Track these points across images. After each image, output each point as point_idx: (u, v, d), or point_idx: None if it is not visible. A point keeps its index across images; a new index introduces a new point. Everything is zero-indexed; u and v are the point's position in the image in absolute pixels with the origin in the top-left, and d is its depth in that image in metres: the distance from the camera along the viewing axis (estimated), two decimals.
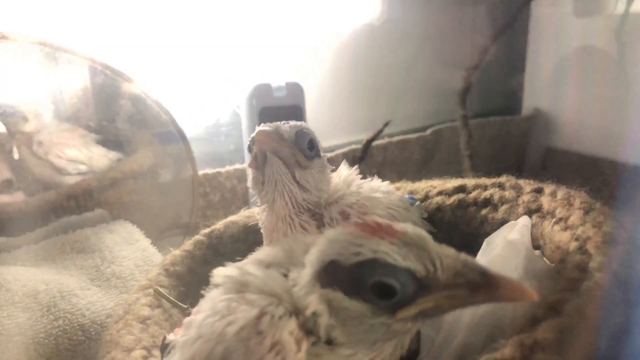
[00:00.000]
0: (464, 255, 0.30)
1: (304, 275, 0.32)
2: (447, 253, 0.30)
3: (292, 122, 0.48)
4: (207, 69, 0.87)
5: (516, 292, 0.28)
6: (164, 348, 0.38)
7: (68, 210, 0.73)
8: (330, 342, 0.31)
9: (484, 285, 0.28)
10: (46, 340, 0.57)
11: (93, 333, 0.59)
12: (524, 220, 0.47)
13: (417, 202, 0.55)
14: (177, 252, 0.60)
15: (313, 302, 0.31)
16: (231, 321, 0.31)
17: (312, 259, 0.32)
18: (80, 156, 0.75)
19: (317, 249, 0.32)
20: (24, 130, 0.72)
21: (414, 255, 0.29)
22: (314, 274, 0.32)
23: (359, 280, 0.30)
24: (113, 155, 0.77)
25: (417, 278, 0.29)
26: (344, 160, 0.55)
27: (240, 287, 0.33)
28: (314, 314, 0.31)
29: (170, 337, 0.39)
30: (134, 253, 0.69)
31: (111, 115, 0.76)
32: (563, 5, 1.11)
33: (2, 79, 0.70)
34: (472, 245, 0.50)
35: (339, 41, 0.99)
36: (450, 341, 0.39)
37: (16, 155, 0.71)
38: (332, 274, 0.31)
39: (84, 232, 0.71)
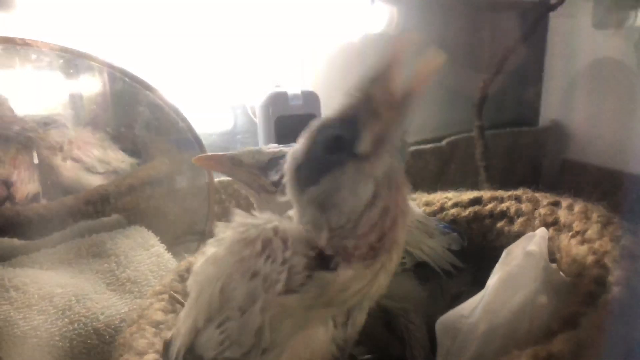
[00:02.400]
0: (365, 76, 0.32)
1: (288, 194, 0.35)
2: (356, 83, 0.32)
3: (277, 148, 0.50)
4: (224, 75, 0.88)
5: (430, 63, 0.31)
6: (167, 347, 0.39)
7: (85, 215, 0.74)
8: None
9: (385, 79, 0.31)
10: (60, 343, 0.57)
11: (107, 337, 0.59)
12: (542, 232, 0.47)
13: (453, 234, 0.54)
14: (191, 259, 0.61)
15: (301, 204, 0.33)
16: (222, 241, 0.34)
17: (288, 188, 0.34)
18: (105, 157, 0.76)
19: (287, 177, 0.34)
20: (52, 134, 0.73)
21: (336, 108, 0.32)
22: (292, 198, 0.34)
23: (316, 159, 0.32)
24: (131, 160, 0.78)
25: (347, 118, 0.32)
26: None
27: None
28: (312, 215, 0.33)
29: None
30: (149, 258, 0.70)
31: (129, 121, 0.77)
32: (582, 17, 1.10)
33: (25, 85, 0.71)
34: (487, 257, 0.50)
35: (354, 49, 0.99)
36: (464, 350, 0.39)
37: (36, 160, 0.72)
38: (301, 184, 0.33)
39: (100, 237, 0.72)
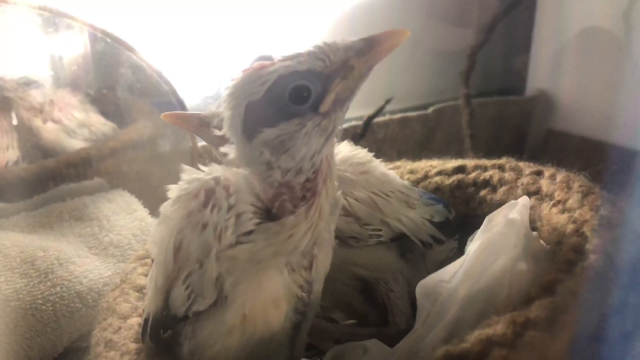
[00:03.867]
0: (342, 41, 0.34)
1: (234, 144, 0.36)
2: (333, 43, 0.34)
3: None
4: (208, 38, 0.86)
5: (394, 37, 0.34)
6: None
7: (67, 178, 0.73)
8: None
9: (370, 47, 0.34)
10: (43, 307, 0.57)
11: (90, 300, 0.60)
12: (524, 200, 0.47)
13: (438, 205, 0.54)
14: None
15: (253, 148, 0.35)
16: (171, 197, 0.36)
17: (229, 124, 0.35)
18: (86, 120, 0.75)
19: (228, 114, 0.35)
20: (31, 95, 0.71)
21: (307, 58, 0.34)
22: (239, 135, 0.35)
23: (276, 102, 0.34)
24: (112, 124, 0.77)
25: (318, 73, 0.33)
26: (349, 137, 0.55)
27: None
28: (261, 154, 0.34)
29: None
30: (132, 222, 0.69)
31: (111, 83, 0.75)
32: None
33: (1, 44, 0.69)
34: (469, 225, 0.50)
35: (340, 16, 0.98)
36: (444, 314, 0.40)
37: (15, 121, 0.71)
38: (250, 122, 0.34)
39: (82, 200, 0.71)
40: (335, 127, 0.35)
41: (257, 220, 0.35)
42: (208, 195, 0.34)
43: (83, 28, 0.70)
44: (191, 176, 0.36)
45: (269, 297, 0.36)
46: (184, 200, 0.35)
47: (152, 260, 0.54)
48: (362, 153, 0.52)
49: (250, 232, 0.34)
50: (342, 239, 0.48)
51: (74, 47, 0.72)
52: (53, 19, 0.68)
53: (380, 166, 0.53)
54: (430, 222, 0.53)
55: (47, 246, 0.62)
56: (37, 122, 0.72)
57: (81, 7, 0.71)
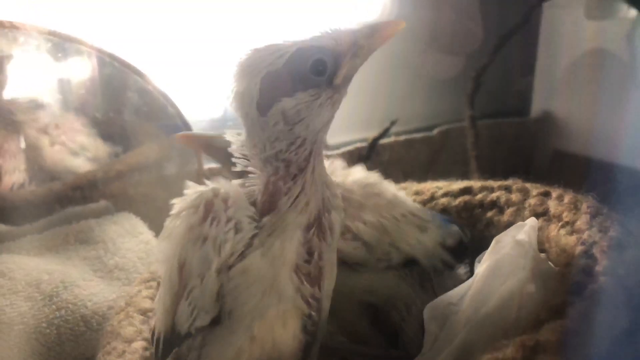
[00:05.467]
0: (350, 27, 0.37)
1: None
2: (341, 30, 0.37)
3: None
4: (214, 61, 0.87)
5: (393, 26, 0.37)
6: (152, 334, 0.40)
7: (73, 201, 0.73)
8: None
9: (374, 31, 0.37)
10: (48, 330, 0.57)
11: (95, 324, 0.59)
12: (532, 221, 0.47)
13: (452, 228, 0.52)
14: None
15: (267, 120, 0.36)
16: (174, 212, 0.37)
17: (242, 97, 0.36)
18: (87, 144, 0.75)
19: (243, 85, 0.36)
20: (39, 118, 0.72)
21: (321, 37, 0.36)
22: (253, 107, 0.36)
23: (296, 73, 0.35)
24: (113, 149, 0.78)
25: (332, 50, 0.36)
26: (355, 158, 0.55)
27: None
28: (275, 124, 0.36)
29: None
30: (137, 245, 0.69)
31: (118, 107, 0.76)
32: (575, 7, 1.09)
33: (12, 68, 0.70)
34: (477, 247, 0.50)
35: None
36: (452, 338, 0.39)
37: (23, 144, 0.71)
38: (267, 92, 0.35)
39: (88, 223, 0.71)
40: (339, 103, 0.38)
41: (255, 227, 0.36)
42: (207, 208, 0.35)
43: (91, 52, 0.71)
44: (192, 190, 0.37)
45: (276, 315, 0.36)
46: (185, 214, 0.36)
47: (158, 283, 0.54)
48: (373, 177, 0.52)
49: (253, 238, 0.35)
50: (349, 265, 0.47)
51: (82, 71, 0.73)
52: (62, 44, 0.69)
53: (392, 188, 0.53)
54: (443, 245, 0.51)
55: (52, 269, 0.62)
56: (45, 143, 0.73)
57: (89, 31, 0.72)
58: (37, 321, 0.57)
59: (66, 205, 0.73)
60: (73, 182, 0.74)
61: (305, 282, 0.37)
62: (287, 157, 0.37)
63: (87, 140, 0.76)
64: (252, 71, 0.36)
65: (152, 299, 0.52)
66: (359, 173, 0.52)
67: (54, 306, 0.58)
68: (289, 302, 0.36)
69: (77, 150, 0.75)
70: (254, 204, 0.37)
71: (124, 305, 0.51)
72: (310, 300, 0.38)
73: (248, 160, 0.39)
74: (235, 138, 0.40)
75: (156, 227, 0.73)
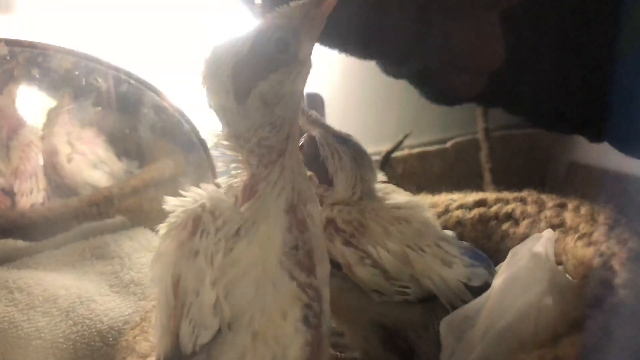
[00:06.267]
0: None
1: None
2: (290, 5, 0.37)
3: None
4: None
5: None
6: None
7: (89, 217, 0.74)
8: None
9: (320, 1, 0.36)
10: (64, 345, 0.57)
11: (110, 339, 0.59)
12: (548, 233, 0.46)
13: (479, 269, 0.48)
14: None
15: (247, 108, 0.36)
16: (162, 233, 0.37)
17: (216, 92, 0.37)
18: (105, 159, 0.76)
19: (216, 81, 0.37)
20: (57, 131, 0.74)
21: (275, 16, 0.36)
22: (230, 99, 0.36)
23: (263, 55, 0.36)
24: (128, 166, 0.79)
25: (288, 26, 0.36)
26: None
27: None
28: (257, 110, 0.36)
29: None
30: None
31: (134, 123, 0.77)
32: None
33: (31, 86, 0.71)
34: (492, 260, 0.49)
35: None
36: (469, 352, 0.39)
37: (41, 161, 0.72)
38: (241, 81, 0.36)
39: (104, 239, 0.72)
40: (308, 76, 0.38)
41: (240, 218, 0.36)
42: (196, 222, 0.35)
43: (107, 70, 0.72)
44: (176, 203, 0.37)
45: (274, 305, 0.35)
46: (174, 233, 0.36)
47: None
48: (406, 199, 0.51)
49: (239, 230, 0.35)
50: (365, 290, 0.46)
51: (99, 89, 0.74)
52: (79, 62, 0.71)
53: (424, 213, 0.50)
54: (466, 285, 0.47)
55: (69, 284, 0.62)
56: (62, 159, 0.74)
57: (103, 48, 0.73)
58: (54, 336, 0.57)
59: (82, 221, 0.74)
60: (89, 198, 0.75)
61: (297, 268, 0.37)
62: (269, 142, 0.37)
63: (105, 155, 0.77)
64: (221, 65, 0.36)
65: None
66: (401, 197, 0.51)
67: (70, 321, 0.59)
68: (284, 288, 0.35)
69: (96, 162, 0.76)
70: (237, 198, 0.38)
71: (139, 320, 0.51)
72: (306, 289, 0.37)
73: (232, 156, 0.39)
74: (215, 138, 0.40)
75: None
